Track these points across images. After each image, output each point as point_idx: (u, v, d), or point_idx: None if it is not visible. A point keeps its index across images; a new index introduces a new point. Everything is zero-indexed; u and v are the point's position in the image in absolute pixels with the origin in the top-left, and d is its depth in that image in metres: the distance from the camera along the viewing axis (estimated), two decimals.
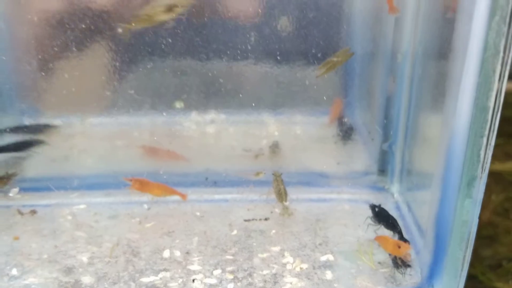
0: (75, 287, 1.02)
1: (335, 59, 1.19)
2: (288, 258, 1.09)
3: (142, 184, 1.20)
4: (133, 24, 1.12)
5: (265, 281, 1.03)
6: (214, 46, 1.27)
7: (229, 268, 1.06)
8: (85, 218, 1.22)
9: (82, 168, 1.35)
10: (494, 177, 1.63)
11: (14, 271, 1.05)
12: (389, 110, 1.26)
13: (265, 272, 1.06)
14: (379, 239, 1.09)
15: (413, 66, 1.16)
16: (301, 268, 1.07)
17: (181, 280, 1.03)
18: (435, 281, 0.98)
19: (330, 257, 1.09)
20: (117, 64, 1.28)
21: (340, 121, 1.38)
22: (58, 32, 1.23)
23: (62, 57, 1.27)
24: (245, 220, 1.21)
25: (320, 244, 1.14)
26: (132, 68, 1.29)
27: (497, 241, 1.43)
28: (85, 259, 1.09)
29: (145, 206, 1.27)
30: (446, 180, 0.91)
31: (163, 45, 1.25)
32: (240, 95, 1.34)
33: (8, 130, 1.34)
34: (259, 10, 1.22)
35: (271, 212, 1.24)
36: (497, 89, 0.82)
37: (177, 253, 1.10)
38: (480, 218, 0.94)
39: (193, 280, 1.03)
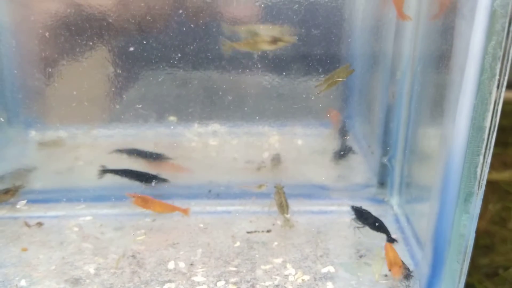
0: None
1: (336, 75, 1.22)
2: (290, 270, 1.12)
3: (144, 201, 1.23)
4: (236, 44, 1.18)
5: None
6: (216, 59, 1.30)
7: (233, 280, 1.09)
8: (91, 229, 1.24)
9: (87, 180, 1.37)
10: (491, 187, 1.65)
11: (23, 282, 1.07)
12: (389, 125, 1.29)
13: (267, 283, 1.08)
14: (388, 248, 1.10)
15: (412, 83, 1.20)
16: (302, 280, 1.09)
17: None
18: None
19: (331, 268, 1.12)
20: (121, 76, 1.30)
21: (341, 134, 1.40)
22: (63, 45, 1.26)
23: (67, 69, 1.30)
24: (248, 232, 1.24)
25: (321, 256, 1.17)
26: (136, 80, 1.32)
27: (494, 250, 1.45)
28: (91, 270, 1.11)
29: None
30: (444, 195, 0.94)
31: (167, 58, 1.28)
32: (243, 108, 1.36)
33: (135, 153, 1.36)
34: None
35: (273, 224, 1.27)
36: (493, 110, 0.85)
37: (182, 265, 1.13)
38: (476, 227, 0.97)
39: None
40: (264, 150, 1.44)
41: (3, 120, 1.34)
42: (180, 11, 1.24)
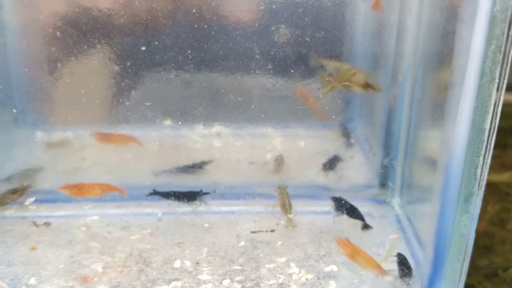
0: None
1: (338, 78, 1.24)
2: (294, 269, 1.14)
3: (78, 188, 1.24)
4: (332, 79, 1.22)
5: None
6: (220, 62, 1.32)
7: (237, 278, 1.11)
8: (99, 229, 1.26)
9: (94, 180, 1.39)
10: (490, 188, 1.66)
11: (32, 280, 1.09)
12: (390, 127, 1.31)
13: (271, 282, 1.11)
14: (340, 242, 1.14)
15: (413, 86, 1.22)
16: (306, 279, 1.11)
17: None
18: None
19: (333, 267, 1.14)
20: (127, 78, 1.33)
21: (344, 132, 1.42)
22: (70, 46, 1.28)
23: (74, 71, 1.32)
24: (252, 232, 1.26)
25: (324, 255, 1.19)
26: (140, 81, 1.34)
27: (493, 251, 1.46)
28: (99, 268, 1.13)
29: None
30: (444, 196, 0.97)
31: (170, 60, 1.30)
32: (247, 110, 1.39)
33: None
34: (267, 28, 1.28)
35: (277, 224, 1.29)
36: (493, 112, 0.88)
37: (188, 263, 1.15)
38: (476, 228, 0.99)
39: None
40: (267, 151, 1.46)
41: (15, 111, 1.35)
42: (185, 13, 1.27)
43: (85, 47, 1.28)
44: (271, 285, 1.10)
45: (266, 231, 1.26)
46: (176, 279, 1.11)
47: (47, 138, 1.46)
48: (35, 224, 1.27)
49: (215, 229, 1.28)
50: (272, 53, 1.29)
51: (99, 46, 1.28)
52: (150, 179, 1.38)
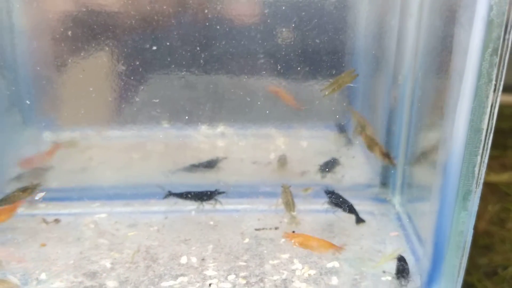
0: None
1: (340, 80, 1.28)
2: (297, 265, 1.17)
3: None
4: (363, 133, 1.34)
5: (275, 286, 1.11)
6: (224, 63, 1.35)
7: (242, 274, 1.14)
8: (107, 226, 1.30)
9: (101, 179, 1.43)
10: (490, 188, 1.69)
11: (43, 276, 1.13)
12: (391, 127, 1.34)
13: (275, 277, 1.14)
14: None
15: (413, 88, 1.25)
16: (309, 274, 1.14)
17: (198, 284, 1.11)
18: (433, 286, 1.06)
19: (335, 264, 1.17)
20: (134, 79, 1.36)
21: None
22: (78, 48, 1.31)
23: (81, 72, 1.35)
24: (256, 229, 1.29)
25: (326, 252, 1.22)
26: (145, 83, 1.37)
27: (493, 250, 1.48)
28: (108, 264, 1.17)
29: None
30: (444, 193, 1.00)
31: (174, 61, 1.33)
32: (251, 110, 1.42)
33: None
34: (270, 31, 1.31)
35: (280, 222, 1.32)
36: (490, 112, 0.91)
37: (194, 260, 1.18)
38: (476, 227, 1.01)
39: (210, 285, 1.11)
40: (271, 151, 1.49)
41: (29, 102, 1.38)
42: (191, 15, 1.30)
43: (93, 48, 1.31)
44: (275, 280, 1.13)
45: (270, 228, 1.29)
46: (182, 275, 1.14)
47: (54, 138, 1.49)
48: (45, 221, 1.30)
49: (220, 227, 1.31)
50: (275, 55, 1.32)
51: (106, 47, 1.31)
52: (156, 178, 1.42)
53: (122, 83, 1.36)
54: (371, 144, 1.35)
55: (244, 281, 1.12)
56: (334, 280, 1.13)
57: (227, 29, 1.30)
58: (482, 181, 0.97)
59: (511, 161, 1.88)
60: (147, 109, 1.40)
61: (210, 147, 1.50)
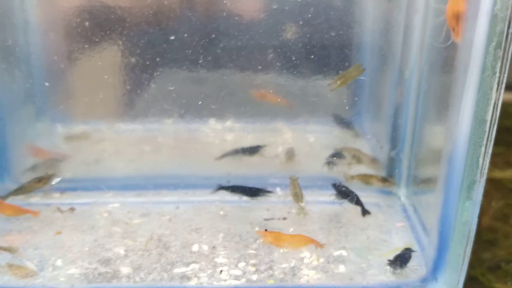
0: (114, 277, 1.14)
1: (347, 74, 1.31)
2: (305, 253, 1.20)
3: None
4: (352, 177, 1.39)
5: (284, 273, 1.15)
6: (233, 58, 1.39)
7: (252, 261, 1.18)
8: (120, 215, 1.33)
9: (114, 170, 1.47)
10: (494, 185, 1.70)
11: (59, 262, 1.16)
12: (397, 121, 1.37)
13: (284, 265, 1.17)
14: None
15: (419, 82, 1.28)
16: (317, 263, 1.18)
17: (209, 271, 1.15)
18: (438, 274, 1.09)
19: (343, 252, 1.20)
20: (144, 73, 1.39)
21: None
22: (89, 42, 1.34)
23: (93, 66, 1.39)
24: (265, 219, 1.32)
25: (333, 241, 1.25)
26: (154, 77, 1.40)
27: (497, 244, 1.50)
28: (121, 251, 1.20)
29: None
30: (448, 184, 1.03)
31: (184, 55, 1.36)
32: (256, 105, 1.45)
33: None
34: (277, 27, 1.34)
35: (288, 213, 1.35)
36: (494, 104, 0.94)
37: (205, 247, 1.22)
38: (480, 223, 1.04)
39: (221, 271, 1.15)
40: (279, 145, 1.53)
41: (48, 84, 1.41)
42: (198, 10, 1.33)
43: (105, 42, 1.34)
44: (283, 268, 1.16)
45: (279, 218, 1.33)
46: (194, 262, 1.17)
47: (67, 131, 1.53)
48: (60, 210, 1.34)
49: (230, 216, 1.34)
50: (283, 49, 1.35)
51: (117, 41, 1.34)
52: (167, 169, 1.46)
53: (134, 77, 1.40)
54: (366, 180, 1.40)
55: (253, 269, 1.16)
56: (342, 268, 1.16)
57: (236, 24, 1.33)
58: (486, 171, 0.99)
59: None
60: (157, 103, 1.44)
61: (219, 140, 1.54)
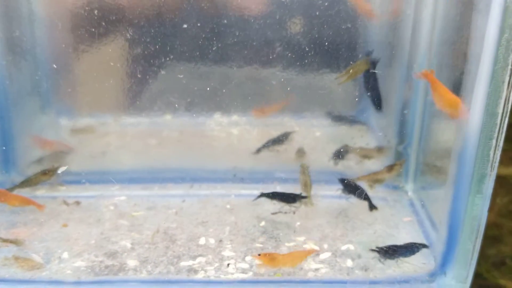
0: (121, 270, 1.13)
1: (355, 67, 1.30)
2: (313, 247, 1.20)
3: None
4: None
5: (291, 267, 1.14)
6: (240, 54, 1.38)
7: None
8: (126, 208, 1.33)
9: (119, 163, 1.46)
10: (499, 181, 1.68)
11: (65, 255, 1.16)
12: (405, 115, 1.36)
13: None
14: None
15: None
16: (324, 257, 1.17)
17: (216, 264, 1.14)
18: (447, 268, 1.08)
19: (350, 246, 1.20)
20: (150, 68, 1.38)
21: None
22: (95, 35, 1.33)
23: (97, 60, 1.38)
24: (272, 214, 1.32)
25: (340, 236, 1.24)
26: (160, 70, 1.40)
27: (502, 241, 1.50)
28: (128, 244, 1.20)
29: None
30: (459, 177, 1.02)
31: (190, 49, 1.35)
32: (263, 99, 1.44)
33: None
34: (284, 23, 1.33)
35: (296, 207, 1.34)
36: (505, 97, 0.93)
37: (212, 241, 1.21)
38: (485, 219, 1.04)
39: (228, 265, 1.14)
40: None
41: (56, 66, 1.40)
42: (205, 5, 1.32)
43: (111, 34, 1.33)
44: None
45: (285, 212, 1.32)
46: (201, 255, 1.17)
47: (72, 124, 1.52)
48: (65, 203, 1.34)
49: (236, 210, 1.33)
50: (290, 43, 1.34)
51: (124, 33, 1.33)
52: (173, 162, 1.45)
53: (140, 70, 1.39)
54: (374, 178, 1.38)
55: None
56: (349, 263, 1.16)
57: (242, 18, 1.33)
58: (496, 165, 0.99)
59: None
60: (163, 97, 1.43)
61: (225, 134, 1.53)
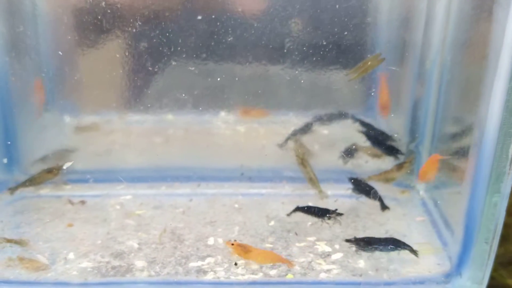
0: (128, 270, 1.10)
1: (366, 64, 1.27)
2: (324, 247, 1.17)
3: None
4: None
5: (302, 268, 1.12)
6: (246, 52, 1.35)
7: None
8: (132, 208, 1.30)
9: (125, 162, 1.43)
10: None
11: (71, 255, 1.13)
12: (417, 113, 1.34)
13: (302, 259, 1.14)
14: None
15: (441, 72, 1.24)
16: (336, 257, 1.15)
17: (225, 265, 1.12)
18: (463, 270, 1.05)
19: None
20: (152, 65, 1.36)
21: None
22: (98, 32, 1.31)
23: (102, 56, 1.35)
24: (288, 215, 1.27)
25: (351, 235, 1.21)
26: (165, 68, 1.37)
27: (509, 240, 1.48)
28: (135, 244, 1.17)
29: None
30: (476, 176, 0.99)
31: (195, 47, 1.33)
32: (271, 97, 1.42)
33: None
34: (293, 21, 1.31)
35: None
36: None
37: (220, 241, 1.19)
38: None
39: (235, 264, 1.11)
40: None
41: (60, 59, 1.37)
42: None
43: (115, 31, 1.31)
44: (301, 262, 1.13)
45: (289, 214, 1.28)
46: (210, 256, 1.14)
47: (77, 122, 1.50)
48: (70, 202, 1.31)
49: (245, 210, 1.31)
50: (297, 41, 1.32)
51: (129, 31, 1.31)
52: (179, 161, 1.42)
53: (145, 68, 1.36)
54: (385, 177, 1.36)
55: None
56: (361, 263, 1.13)
57: (247, 17, 1.30)
58: None
59: None
60: (169, 94, 1.41)
61: (232, 132, 1.51)
